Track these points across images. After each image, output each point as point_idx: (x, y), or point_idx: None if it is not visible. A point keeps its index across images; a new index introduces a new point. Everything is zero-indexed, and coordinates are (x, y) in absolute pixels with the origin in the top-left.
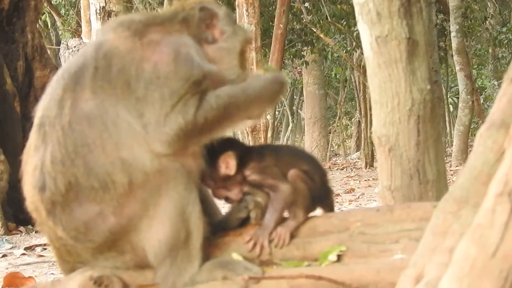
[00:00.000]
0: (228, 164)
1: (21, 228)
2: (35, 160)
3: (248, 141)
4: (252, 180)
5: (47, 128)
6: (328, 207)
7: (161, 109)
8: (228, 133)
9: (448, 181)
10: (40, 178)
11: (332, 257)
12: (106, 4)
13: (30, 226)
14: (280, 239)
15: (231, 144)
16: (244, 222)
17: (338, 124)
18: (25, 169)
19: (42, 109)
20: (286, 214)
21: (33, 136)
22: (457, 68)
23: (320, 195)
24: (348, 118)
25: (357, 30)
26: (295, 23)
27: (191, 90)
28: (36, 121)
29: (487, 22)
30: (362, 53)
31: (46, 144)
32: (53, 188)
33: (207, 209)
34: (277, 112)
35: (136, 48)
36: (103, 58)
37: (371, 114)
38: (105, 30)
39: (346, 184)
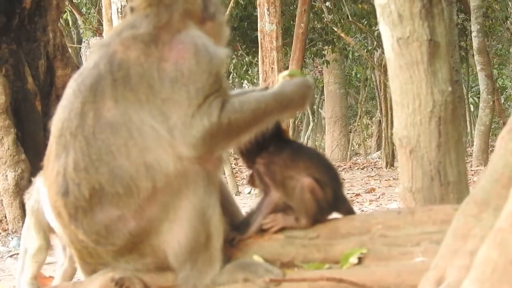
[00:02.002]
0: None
1: None
2: (57, 166)
3: None
4: (256, 169)
5: (68, 137)
6: (346, 213)
7: (188, 108)
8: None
9: (469, 181)
10: (63, 184)
11: (353, 259)
12: (127, 3)
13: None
14: (270, 225)
15: None
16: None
17: (359, 123)
18: (47, 175)
19: (60, 121)
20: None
21: (53, 146)
22: (478, 67)
23: (332, 205)
24: (368, 118)
25: (378, 29)
26: (316, 22)
27: (215, 85)
28: (55, 133)
29: (508, 21)
30: (383, 53)
31: (67, 153)
32: (77, 194)
33: (228, 209)
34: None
35: (151, 53)
36: (119, 70)
37: (391, 114)
38: (109, 43)
39: (367, 183)
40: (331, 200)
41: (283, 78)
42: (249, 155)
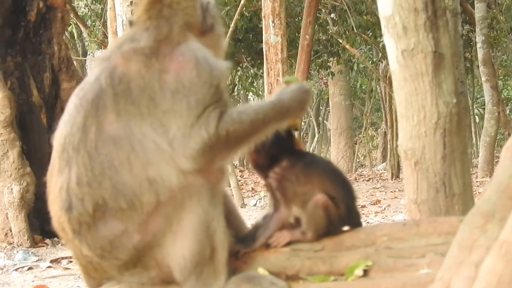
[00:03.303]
0: (252, 155)
1: (47, 241)
2: (60, 181)
3: None
4: (269, 183)
5: (70, 152)
6: (355, 226)
7: (187, 119)
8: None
9: (474, 192)
10: (67, 199)
11: (359, 271)
12: (132, 16)
13: (56, 239)
14: (276, 241)
15: (278, 138)
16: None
17: (364, 135)
18: (50, 190)
19: (63, 136)
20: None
21: (56, 161)
22: (483, 79)
23: (345, 220)
24: (374, 129)
25: (383, 41)
26: (321, 34)
27: (215, 96)
28: (57, 147)
29: None
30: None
31: (70, 167)
32: (81, 209)
33: (233, 222)
34: (303, 123)
35: (152, 65)
36: (120, 83)
37: (397, 125)
38: (110, 57)
39: (372, 195)
40: (344, 216)
41: (280, 86)
42: (262, 169)
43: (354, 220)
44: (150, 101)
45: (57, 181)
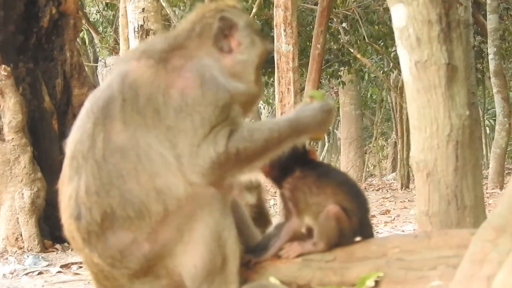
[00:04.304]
0: (264, 167)
1: (57, 246)
2: (70, 190)
3: None
4: (282, 193)
5: (80, 160)
6: (367, 237)
7: (193, 138)
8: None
9: (485, 204)
10: (76, 208)
11: (370, 283)
12: (144, 23)
13: (66, 244)
14: (287, 253)
15: (292, 149)
16: None
17: (374, 144)
18: (61, 198)
19: (74, 143)
20: None
21: (66, 168)
22: (494, 90)
23: (357, 232)
24: (384, 139)
25: (394, 51)
26: (332, 43)
27: (222, 116)
28: (68, 154)
29: None
30: (399, 74)
31: (79, 176)
32: (89, 218)
33: (244, 231)
34: None
35: (160, 75)
36: (129, 89)
37: (407, 135)
38: (127, 60)
39: (382, 205)
40: (356, 228)
41: (304, 100)
42: (275, 179)
43: (366, 232)
44: (155, 113)
45: (67, 189)
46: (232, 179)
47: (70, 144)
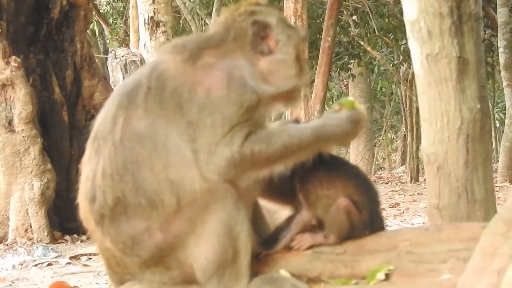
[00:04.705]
0: None
1: (67, 237)
2: (88, 171)
3: None
4: (293, 184)
5: (100, 142)
6: (378, 230)
7: (212, 136)
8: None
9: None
10: (91, 189)
11: (380, 275)
12: (154, 14)
13: (75, 235)
14: (298, 245)
15: None
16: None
17: (384, 137)
18: (81, 179)
19: (97, 123)
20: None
21: (88, 148)
22: (504, 83)
23: (367, 225)
24: (393, 132)
25: (404, 44)
26: (342, 36)
27: (244, 117)
28: (92, 134)
29: None
30: (409, 67)
31: (98, 157)
32: (102, 201)
33: (258, 225)
34: None
35: (189, 71)
36: (156, 79)
37: (417, 128)
38: (161, 52)
39: (391, 198)
40: (367, 221)
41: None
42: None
43: (377, 225)
44: (177, 107)
45: (85, 170)
46: (248, 180)
47: (95, 125)
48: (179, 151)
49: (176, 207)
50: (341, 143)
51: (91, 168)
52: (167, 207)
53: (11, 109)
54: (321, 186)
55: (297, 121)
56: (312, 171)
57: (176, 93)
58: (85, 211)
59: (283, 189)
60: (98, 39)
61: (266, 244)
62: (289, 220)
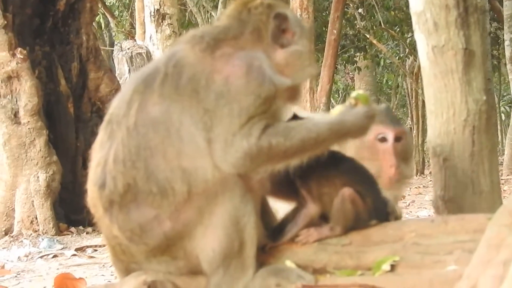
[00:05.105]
0: None
1: (72, 229)
2: (99, 156)
3: None
4: (294, 181)
5: (114, 126)
6: (383, 220)
7: (230, 126)
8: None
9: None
10: (101, 175)
11: (386, 267)
12: (160, 7)
13: (81, 227)
14: (304, 240)
15: None
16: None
17: None
18: (91, 164)
19: (113, 107)
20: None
21: (101, 132)
22: (510, 76)
23: (372, 213)
24: None
25: (410, 36)
26: (348, 28)
27: (261, 108)
28: (106, 117)
29: None
30: (415, 60)
31: (111, 142)
32: (112, 187)
33: (264, 218)
34: None
35: (208, 60)
36: (174, 66)
37: (422, 121)
38: (179, 42)
39: None
40: (371, 210)
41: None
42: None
43: (381, 212)
44: (194, 93)
45: (96, 157)
46: (263, 173)
47: (111, 107)
48: (193, 139)
49: (186, 196)
50: (356, 137)
51: (103, 154)
52: (178, 196)
53: (16, 101)
54: (321, 184)
55: (296, 115)
56: (311, 168)
57: (193, 79)
58: (93, 197)
59: (285, 186)
60: (104, 32)
61: (272, 236)
62: (295, 212)
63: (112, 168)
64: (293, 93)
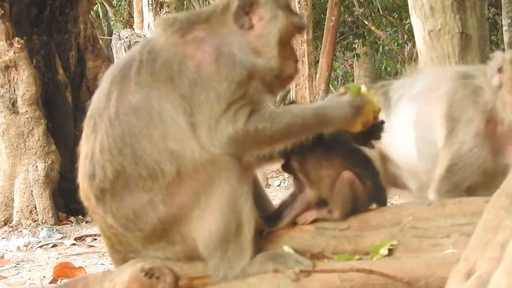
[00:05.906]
0: None
1: (72, 218)
2: (86, 149)
3: None
4: (290, 165)
5: (96, 119)
6: (381, 204)
7: (211, 112)
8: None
9: None
10: (90, 166)
11: (384, 251)
12: None
13: (80, 216)
14: (303, 219)
15: None
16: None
17: None
18: (80, 158)
19: (93, 101)
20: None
21: (85, 127)
22: None
23: (372, 196)
24: None
25: (408, 23)
26: (347, 15)
27: (238, 92)
28: (88, 113)
29: None
30: (414, 46)
31: (95, 134)
32: (102, 176)
33: (260, 203)
34: None
35: (179, 44)
36: (148, 52)
37: None
38: (155, 28)
39: None
40: (373, 189)
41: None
42: (283, 151)
43: (380, 196)
44: (168, 79)
45: (83, 150)
46: (250, 157)
47: (92, 102)
48: (176, 123)
49: (176, 176)
50: (342, 127)
51: (89, 146)
52: (167, 177)
53: (14, 91)
54: (321, 166)
55: (293, 103)
56: (309, 151)
57: (166, 64)
58: (85, 189)
59: (283, 170)
60: (102, 21)
61: (269, 221)
62: (292, 197)
63: (99, 158)
64: (278, 77)
